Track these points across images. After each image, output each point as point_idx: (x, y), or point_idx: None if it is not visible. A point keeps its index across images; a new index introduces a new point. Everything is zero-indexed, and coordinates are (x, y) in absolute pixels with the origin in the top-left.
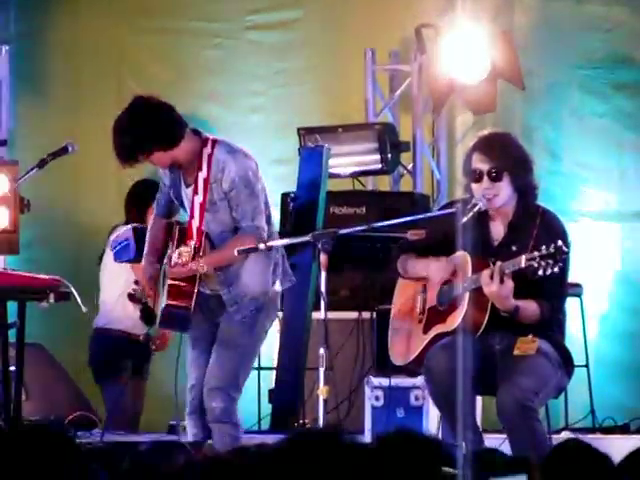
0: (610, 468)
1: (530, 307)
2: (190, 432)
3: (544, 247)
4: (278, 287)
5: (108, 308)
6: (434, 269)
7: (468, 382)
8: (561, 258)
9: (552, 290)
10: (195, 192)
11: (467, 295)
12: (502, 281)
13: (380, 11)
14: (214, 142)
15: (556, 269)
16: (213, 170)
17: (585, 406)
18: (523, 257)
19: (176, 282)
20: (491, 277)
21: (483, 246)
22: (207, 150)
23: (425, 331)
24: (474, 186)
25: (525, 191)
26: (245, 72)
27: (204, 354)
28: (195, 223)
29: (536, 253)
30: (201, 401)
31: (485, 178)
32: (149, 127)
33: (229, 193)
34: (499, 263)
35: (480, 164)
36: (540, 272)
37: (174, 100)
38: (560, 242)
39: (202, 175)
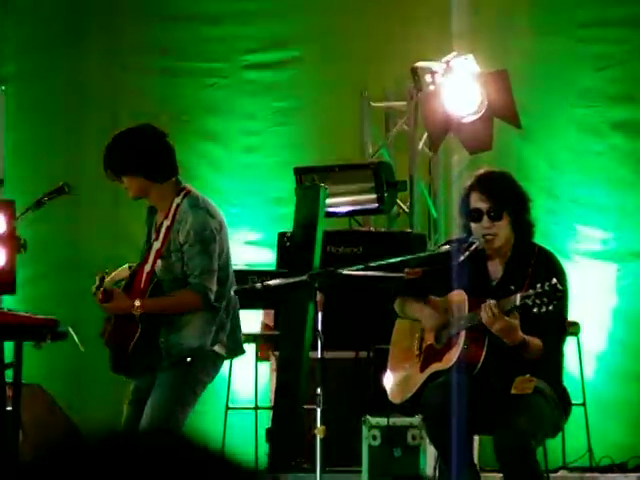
0: None
1: (535, 341)
2: None
3: (539, 285)
4: (219, 350)
5: None
6: (427, 315)
7: (463, 420)
8: (556, 296)
9: (550, 327)
10: (156, 238)
11: (463, 333)
12: (508, 315)
13: (375, 50)
14: (186, 193)
15: (551, 307)
16: (176, 220)
17: (582, 445)
18: (518, 295)
19: (120, 322)
20: (493, 315)
21: (481, 286)
22: (177, 200)
23: (422, 369)
24: (473, 226)
25: (523, 230)
26: (241, 112)
27: (134, 405)
28: (147, 268)
29: (531, 291)
30: None
31: (485, 217)
32: (145, 149)
33: (183, 246)
34: (491, 301)
35: (479, 203)
36: (535, 310)
37: (171, 139)
38: (555, 280)
39: (166, 223)
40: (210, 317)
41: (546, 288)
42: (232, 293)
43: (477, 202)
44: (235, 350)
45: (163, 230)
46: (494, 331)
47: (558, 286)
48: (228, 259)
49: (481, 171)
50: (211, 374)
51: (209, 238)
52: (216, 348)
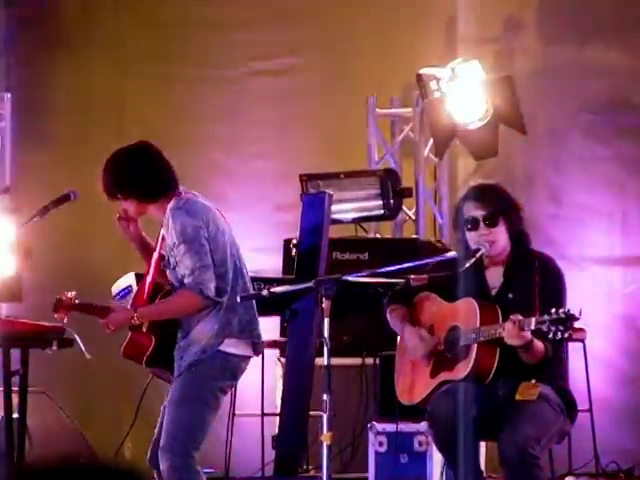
0: None
1: (538, 342)
2: None
3: (554, 311)
4: (227, 348)
5: None
6: (406, 336)
7: (470, 427)
8: (572, 325)
9: None
10: (155, 247)
11: (475, 346)
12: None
13: (381, 57)
14: (174, 198)
15: (566, 335)
16: (164, 225)
17: (589, 451)
18: (533, 319)
19: (135, 335)
20: (519, 329)
21: (480, 295)
22: (169, 205)
23: (432, 375)
24: (470, 235)
25: (518, 238)
26: (248, 118)
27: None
28: (148, 278)
29: (546, 317)
30: (155, 456)
31: (481, 225)
32: (135, 173)
33: (173, 249)
34: (518, 317)
35: (475, 211)
36: (550, 336)
37: (177, 146)
38: (572, 309)
39: (162, 231)
40: (212, 315)
41: (562, 316)
42: (245, 285)
43: (471, 211)
44: (253, 345)
45: (160, 238)
46: (510, 344)
47: (576, 315)
48: (226, 255)
49: (473, 184)
50: (222, 377)
51: (191, 236)
52: (222, 347)
